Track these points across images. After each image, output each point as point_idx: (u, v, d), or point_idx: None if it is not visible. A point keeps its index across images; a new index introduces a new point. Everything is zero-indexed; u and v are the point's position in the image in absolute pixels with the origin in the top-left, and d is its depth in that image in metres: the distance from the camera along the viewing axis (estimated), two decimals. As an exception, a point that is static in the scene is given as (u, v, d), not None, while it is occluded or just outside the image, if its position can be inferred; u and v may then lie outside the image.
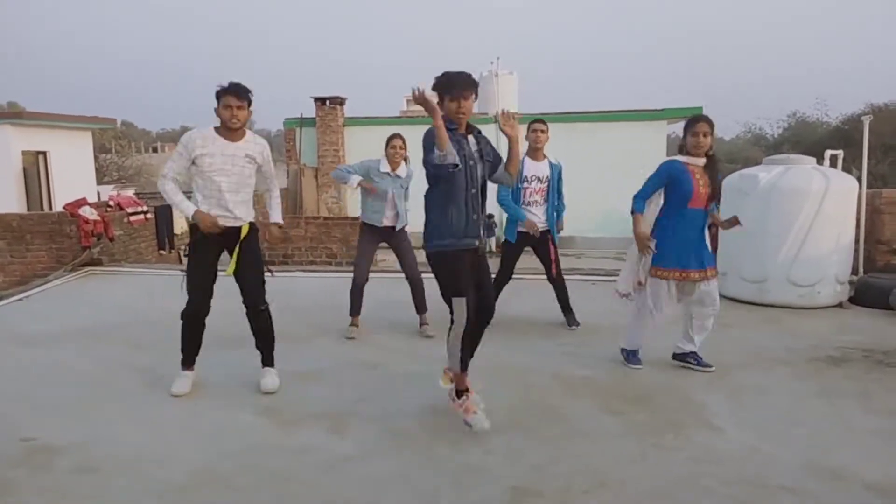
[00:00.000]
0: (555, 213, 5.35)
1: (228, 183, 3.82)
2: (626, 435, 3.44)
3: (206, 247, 3.87)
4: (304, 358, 4.70)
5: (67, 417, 3.67)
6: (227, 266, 3.92)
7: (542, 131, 5.24)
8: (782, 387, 3.99)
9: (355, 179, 5.13)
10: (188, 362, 4.07)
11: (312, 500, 2.81)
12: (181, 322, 3.96)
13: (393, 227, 5.25)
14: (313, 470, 3.07)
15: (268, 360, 4.14)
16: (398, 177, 5.21)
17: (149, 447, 3.28)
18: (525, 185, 5.18)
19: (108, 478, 3.00)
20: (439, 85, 3.31)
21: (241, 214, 3.90)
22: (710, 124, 4.11)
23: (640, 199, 4.30)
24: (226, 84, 3.75)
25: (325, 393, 4.03)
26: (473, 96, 3.30)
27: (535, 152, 5.25)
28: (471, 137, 3.42)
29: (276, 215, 4.16)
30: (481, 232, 3.40)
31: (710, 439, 3.36)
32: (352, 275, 5.35)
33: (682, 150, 4.23)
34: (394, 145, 5.16)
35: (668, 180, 4.22)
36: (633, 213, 4.31)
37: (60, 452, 3.25)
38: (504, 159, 3.50)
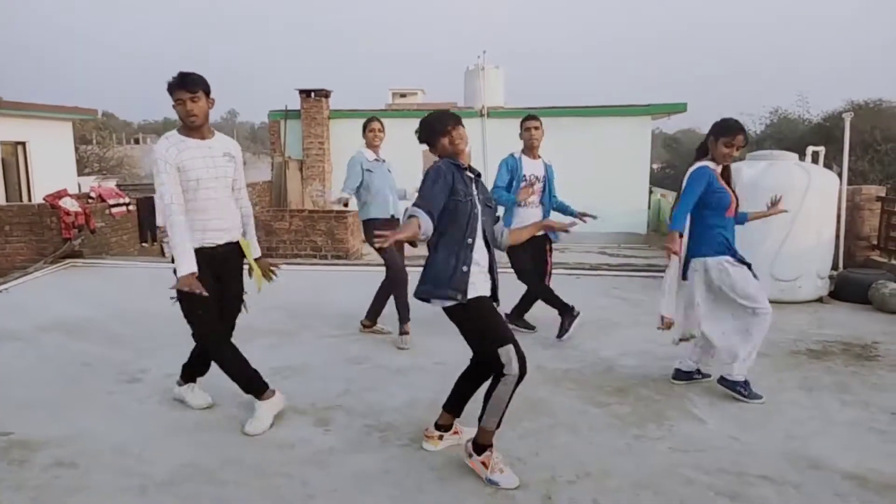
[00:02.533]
0: (548, 213, 5.04)
1: (216, 189, 3.36)
2: (610, 426, 3.46)
3: (203, 281, 3.25)
4: (288, 353, 4.68)
5: (46, 412, 3.62)
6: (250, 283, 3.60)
7: (537, 128, 4.98)
8: (763, 379, 4.03)
9: (344, 197, 5.02)
10: (263, 386, 3.53)
11: (297, 493, 2.80)
12: (220, 356, 3.50)
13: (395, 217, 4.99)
14: (298, 463, 3.06)
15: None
16: (384, 160, 5.04)
17: (129, 442, 3.25)
18: (524, 184, 4.92)
19: (88, 473, 2.97)
20: (423, 133, 3.06)
21: (233, 224, 3.47)
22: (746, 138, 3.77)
23: (682, 217, 3.76)
24: (173, 77, 3.24)
25: (309, 387, 4.01)
26: (461, 126, 3.00)
27: (531, 150, 5.02)
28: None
29: (256, 244, 3.67)
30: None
31: (691, 430, 3.40)
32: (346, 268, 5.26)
33: (708, 155, 3.80)
34: (372, 128, 4.99)
35: (706, 189, 3.72)
36: (672, 230, 3.78)
37: (39, 447, 3.21)
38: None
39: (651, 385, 4.03)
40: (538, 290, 5.07)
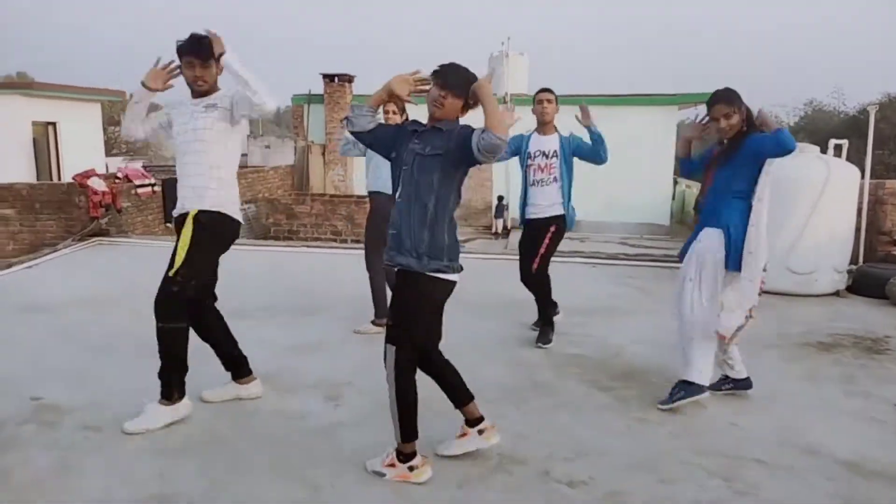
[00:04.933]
0: (569, 194, 4.63)
1: (183, 145, 3.25)
2: (612, 409, 3.54)
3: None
4: (303, 332, 4.82)
5: (73, 380, 3.81)
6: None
7: (549, 101, 4.57)
8: (768, 368, 4.07)
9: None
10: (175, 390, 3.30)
11: (305, 461, 2.94)
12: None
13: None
14: (307, 434, 3.20)
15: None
16: None
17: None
18: (529, 161, 4.63)
19: (111, 436, 3.14)
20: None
21: (188, 193, 3.24)
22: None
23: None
24: (185, 39, 3.17)
25: (321, 365, 4.15)
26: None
27: (543, 126, 4.64)
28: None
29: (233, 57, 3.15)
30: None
31: (691, 415, 3.46)
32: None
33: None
34: (386, 110, 4.77)
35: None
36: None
37: (67, 412, 3.39)
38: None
39: (657, 372, 4.08)
40: (537, 286, 4.65)
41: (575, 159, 4.66)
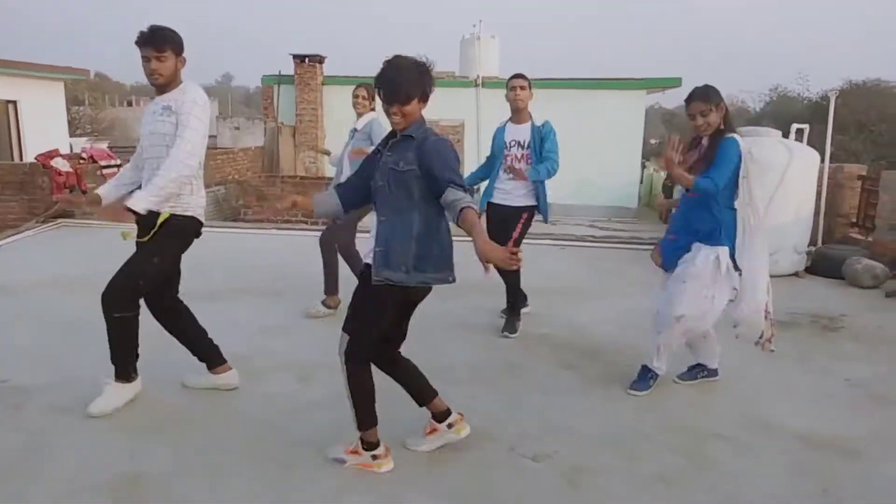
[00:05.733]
0: (541, 184, 4.51)
1: (148, 147, 3.20)
2: (579, 388, 3.64)
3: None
4: (274, 313, 4.82)
5: (39, 362, 3.77)
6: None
7: (522, 88, 4.44)
8: (729, 347, 4.19)
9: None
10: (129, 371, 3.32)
11: (279, 440, 2.97)
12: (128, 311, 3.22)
13: None
14: (281, 414, 3.23)
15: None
16: (355, 129, 4.82)
17: (121, 390, 3.40)
18: (506, 152, 4.53)
19: (80, 418, 3.13)
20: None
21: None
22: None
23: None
24: (143, 31, 3.06)
25: (292, 345, 4.17)
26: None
27: (516, 114, 4.52)
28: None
29: (136, 196, 3.02)
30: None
31: (656, 393, 3.57)
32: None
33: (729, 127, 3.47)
34: (356, 95, 4.75)
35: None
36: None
37: (33, 393, 3.37)
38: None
39: (622, 351, 4.19)
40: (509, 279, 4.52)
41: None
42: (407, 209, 2.56)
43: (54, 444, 2.90)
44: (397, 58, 2.57)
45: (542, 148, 4.48)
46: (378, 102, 2.65)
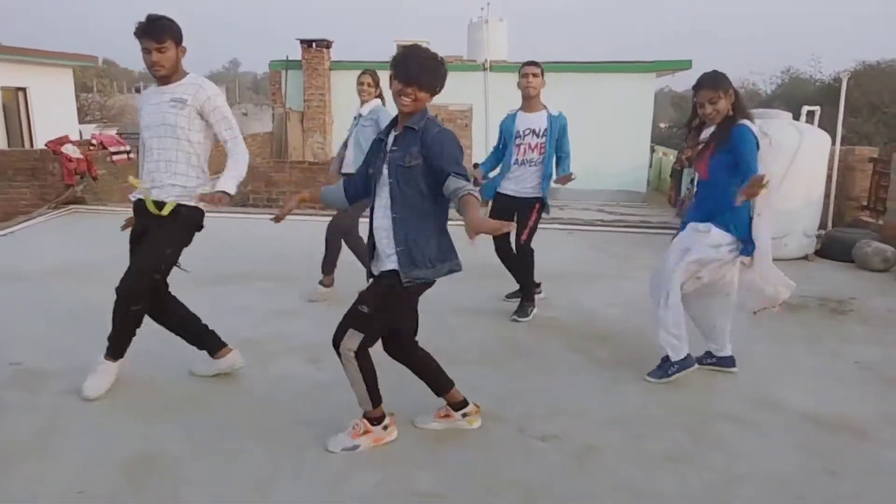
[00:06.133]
0: (552, 175, 4.50)
1: (150, 138, 3.18)
2: (587, 370, 3.66)
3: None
4: (282, 297, 4.86)
5: (52, 346, 3.83)
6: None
7: (535, 75, 4.37)
8: (737, 331, 4.19)
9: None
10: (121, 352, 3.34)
11: (290, 423, 3.01)
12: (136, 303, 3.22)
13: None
14: (291, 396, 3.27)
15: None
16: (359, 115, 4.77)
17: (133, 375, 3.43)
18: (518, 141, 4.42)
19: (96, 401, 3.18)
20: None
21: (158, 181, 3.14)
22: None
23: None
24: (141, 21, 3.01)
25: (302, 329, 4.21)
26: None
27: (528, 102, 4.44)
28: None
29: (225, 182, 3.13)
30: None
31: (664, 375, 3.58)
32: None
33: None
34: (361, 82, 4.72)
35: None
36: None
37: (49, 377, 3.42)
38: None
39: (630, 333, 4.21)
40: (517, 263, 4.57)
41: None
42: (420, 205, 2.56)
43: (69, 426, 2.95)
44: (418, 46, 2.61)
45: (560, 141, 4.45)
46: (385, 89, 2.66)
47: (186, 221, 3.21)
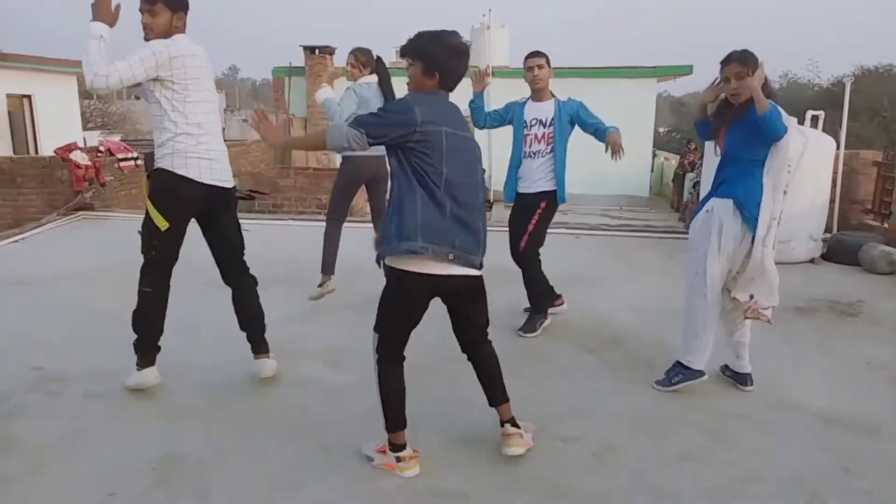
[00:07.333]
0: (563, 168, 4.30)
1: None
2: (603, 372, 3.71)
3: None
4: (296, 301, 4.90)
5: (70, 351, 3.87)
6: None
7: (540, 66, 4.22)
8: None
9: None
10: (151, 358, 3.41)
11: (313, 425, 3.05)
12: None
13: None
14: (313, 398, 3.32)
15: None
16: (353, 91, 4.80)
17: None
18: (525, 131, 4.28)
19: (117, 402, 3.23)
20: None
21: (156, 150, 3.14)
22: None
23: None
24: None
25: (320, 332, 4.26)
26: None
27: (536, 93, 4.30)
28: None
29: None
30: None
31: (678, 376, 3.63)
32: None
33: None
34: (349, 63, 4.91)
35: None
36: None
37: (70, 381, 3.46)
38: None
39: (643, 336, 4.25)
40: (524, 267, 4.42)
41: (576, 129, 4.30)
42: (395, 184, 2.57)
43: (94, 429, 2.99)
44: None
45: (580, 121, 4.26)
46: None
47: (160, 188, 3.15)
